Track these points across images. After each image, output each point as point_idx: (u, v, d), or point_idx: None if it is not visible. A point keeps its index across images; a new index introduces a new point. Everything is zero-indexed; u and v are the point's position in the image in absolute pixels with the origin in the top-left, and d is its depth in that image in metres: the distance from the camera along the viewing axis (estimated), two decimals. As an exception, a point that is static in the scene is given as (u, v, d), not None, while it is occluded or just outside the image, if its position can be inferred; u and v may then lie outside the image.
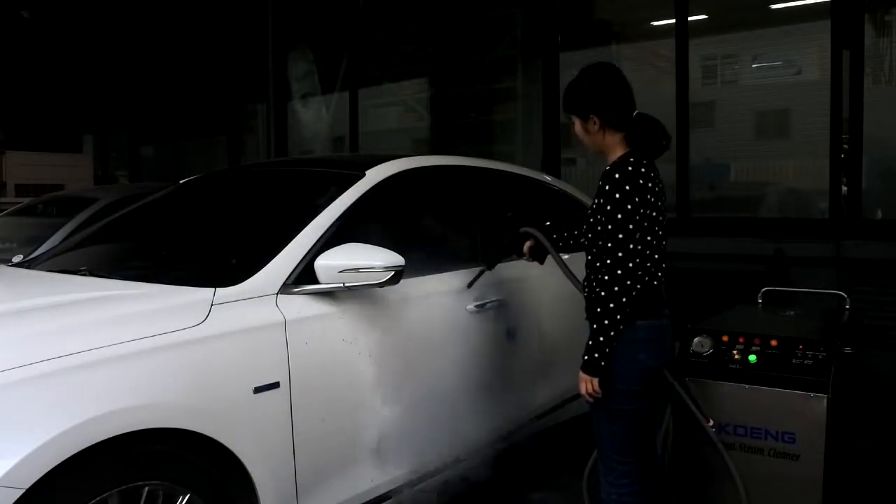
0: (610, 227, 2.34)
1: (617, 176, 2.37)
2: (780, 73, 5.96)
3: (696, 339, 2.79)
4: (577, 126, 2.54)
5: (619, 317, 2.34)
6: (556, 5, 6.80)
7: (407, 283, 2.68)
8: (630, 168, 2.37)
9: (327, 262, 2.47)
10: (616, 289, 2.33)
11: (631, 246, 2.33)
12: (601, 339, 2.36)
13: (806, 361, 2.57)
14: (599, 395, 2.41)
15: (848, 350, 2.77)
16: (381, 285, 2.49)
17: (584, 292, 2.55)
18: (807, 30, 5.75)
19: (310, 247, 2.56)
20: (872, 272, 4.88)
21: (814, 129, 5.56)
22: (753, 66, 6.17)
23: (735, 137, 6.18)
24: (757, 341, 2.70)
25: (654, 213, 2.39)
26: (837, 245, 5.03)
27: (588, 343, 2.40)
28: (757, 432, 2.62)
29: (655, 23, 6.54)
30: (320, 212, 2.71)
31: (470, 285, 2.99)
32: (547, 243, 2.80)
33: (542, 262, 2.94)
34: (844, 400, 2.72)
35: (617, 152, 2.48)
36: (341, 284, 2.47)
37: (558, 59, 6.68)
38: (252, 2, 8.89)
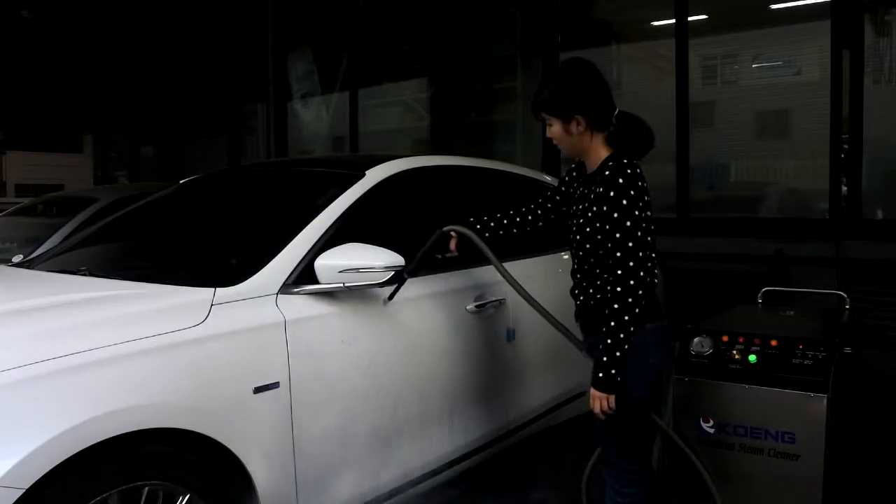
0: (618, 235, 2.24)
1: (620, 181, 2.25)
2: (780, 73, 5.96)
3: (696, 339, 2.78)
4: (557, 128, 2.37)
5: (632, 328, 2.25)
6: (556, 5, 6.80)
7: (407, 283, 2.68)
8: (629, 171, 2.28)
9: (327, 262, 2.47)
10: (630, 300, 2.24)
11: (641, 254, 2.25)
12: (617, 353, 2.25)
13: (806, 361, 2.57)
14: (614, 412, 2.31)
15: (848, 350, 2.76)
16: (381, 285, 2.49)
17: (578, 300, 2.49)
18: (807, 30, 5.75)
19: (310, 247, 2.56)
20: (872, 272, 4.88)
21: (814, 130, 5.56)
22: (753, 66, 6.17)
23: (735, 137, 6.18)
24: (757, 341, 2.69)
25: (650, 214, 2.33)
26: (837, 245, 5.03)
27: (602, 359, 2.27)
28: (757, 432, 2.61)
29: (655, 23, 6.54)
30: (320, 212, 2.71)
31: (391, 297, 2.68)
32: (476, 239, 2.65)
33: (468, 252, 2.76)
34: (844, 400, 2.72)
35: (601, 154, 2.37)
36: (341, 284, 2.47)
37: (558, 59, 6.67)
38: (252, 2, 8.89)
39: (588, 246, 2.38)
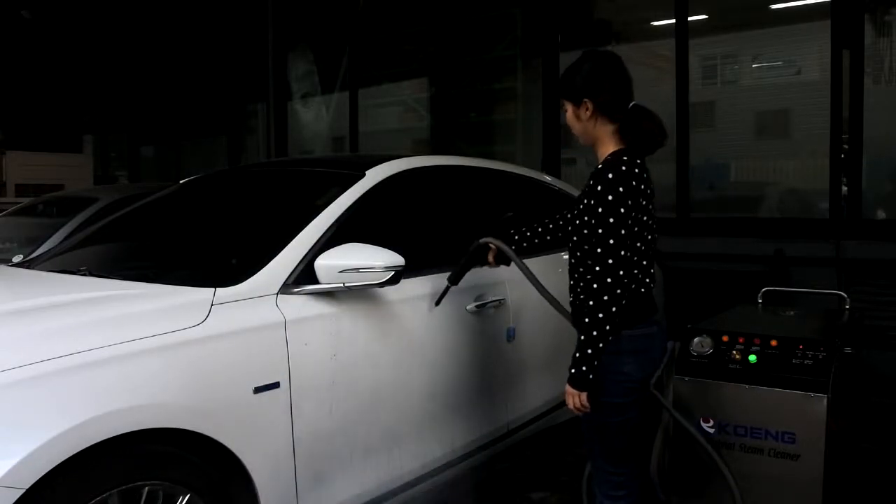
0: (600, 231, 2.21)
1: (610, 176, 2.22)
2: (780, 73, 5.97)
3: (696, 339, 2.78)
4: (569, 112, 2.40)
5: (608, 327, 2.21)
6: (556, 5, 6.80)
7: (407, 283, 2.68)
8: (624, 168, 2.24)
9: (327, 262, 2.47)
10: (606, 297, 2.20)
11: (623, 252, 2.21)
12: (589, 350, 2.23)
13: (806, 361, 2.57)
14: (588, 410, 2.31)
15: (848, 350, 2.76)
16: (381, 285, 2.49)
17: (570, 297, 2.45)
18: (807, 30, 5.76)
19: (310, 247, 2.56)
20: (872, 272, 4.88)
21: (814, 129, 5.57)
22: (753, 66, 6.18)
23: (735, 137, 6.19)
24: (757, 341, 2.69)
25: (646, 218, 2.29)
26: (837, 245, 5.03)
27: (575, 355, 2.27)
28: (757, 432, 2.61)
29: (655, 23, 6.55)
30: (320, 212, 2.71)
31: (437, 303, 2.83)
32: (510, 252, 2.67)
33: (507, 264, 2.81)
34: (844, 400, 2.72)
35: (608, 146, 2.34)
36: (341, 284, 2.47)
37: (558, 59, 6.68)
38: (252, 2, 8.89)
39: (575, 238, 2.35)
